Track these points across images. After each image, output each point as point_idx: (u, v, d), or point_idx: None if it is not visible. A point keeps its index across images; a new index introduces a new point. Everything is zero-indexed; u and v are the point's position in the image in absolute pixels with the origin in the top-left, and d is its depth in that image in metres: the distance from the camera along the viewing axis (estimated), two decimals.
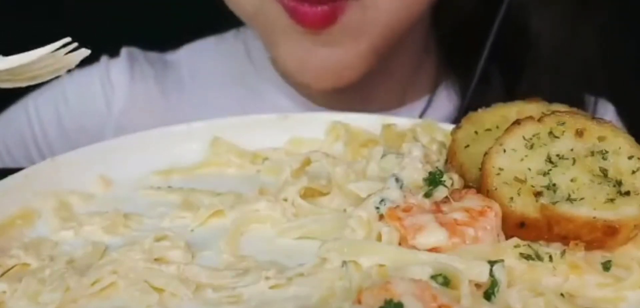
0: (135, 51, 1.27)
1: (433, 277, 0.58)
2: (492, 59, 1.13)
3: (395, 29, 1.04)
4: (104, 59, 1.25)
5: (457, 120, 0.79)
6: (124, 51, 1.26)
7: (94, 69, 1.24)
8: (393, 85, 1.18)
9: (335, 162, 0.77)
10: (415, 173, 0.69)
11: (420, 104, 1.21)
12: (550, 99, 0.78)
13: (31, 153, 1.21)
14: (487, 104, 0.80)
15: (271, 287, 0.62)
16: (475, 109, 0.80)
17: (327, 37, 1.00)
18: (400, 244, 0.63)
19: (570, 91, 1.11)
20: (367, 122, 0.88)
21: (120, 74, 1.23)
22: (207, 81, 1.25)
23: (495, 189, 0.67)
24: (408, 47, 1.15)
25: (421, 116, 1.16)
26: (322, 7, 0.97)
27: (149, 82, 1.24)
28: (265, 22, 1.05)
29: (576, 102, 0.91)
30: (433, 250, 0.62)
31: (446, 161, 0.75)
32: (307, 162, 0.79)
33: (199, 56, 1.29)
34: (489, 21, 1.12)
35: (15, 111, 1.25)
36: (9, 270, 0.65)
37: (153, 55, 1.29)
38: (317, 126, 0.88)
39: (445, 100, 1.21)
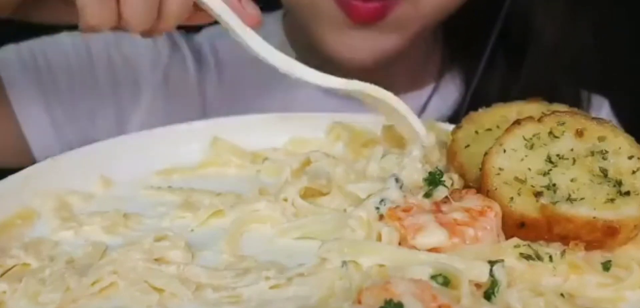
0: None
1: (433, 277, 0.58)
2: (496, 48, 1.17)
3: (438, 18, 1.10)
4: None
5: (462, 107, 0.79)
6: None
7: None
8: (406, 70, 1.21)
9: (336, 162, 0.77)
10: (415, 173, 0.70)
11: (427, 91, 1.24)
12: (550, 90, 0.78)
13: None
14: (490, 91, 0.80)
15: (271, 287, 0.61)
16: (475, 108, 0.80)
17: (375, 28, 1.04)
18: (400, 244, 0.63)
19: (568, 81, 1.15)
20: (367, 122, 0.88)
21: (163, 40, 1.25)
22: (227, 62, 1.27)
23: (495, 189, 0.67)
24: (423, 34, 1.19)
25: (427, 101, 1.21)
26: (373, 3, 1.01)
27: (184, 51, 1.26)
28: (312, 8, 1.07)
29: (573, 94, 0.91)
30: (433, 250, 0.62)
31: (446, 161, 0.75)
32: (307, 162, 0.79)
33: (220, 39, 1.30)
34: (493, 12, 1.15)
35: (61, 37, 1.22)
36: (9, 270, 0.65)
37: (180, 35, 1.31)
38: (317, 126, 0.89)
39: (451, 88, 1.24)
